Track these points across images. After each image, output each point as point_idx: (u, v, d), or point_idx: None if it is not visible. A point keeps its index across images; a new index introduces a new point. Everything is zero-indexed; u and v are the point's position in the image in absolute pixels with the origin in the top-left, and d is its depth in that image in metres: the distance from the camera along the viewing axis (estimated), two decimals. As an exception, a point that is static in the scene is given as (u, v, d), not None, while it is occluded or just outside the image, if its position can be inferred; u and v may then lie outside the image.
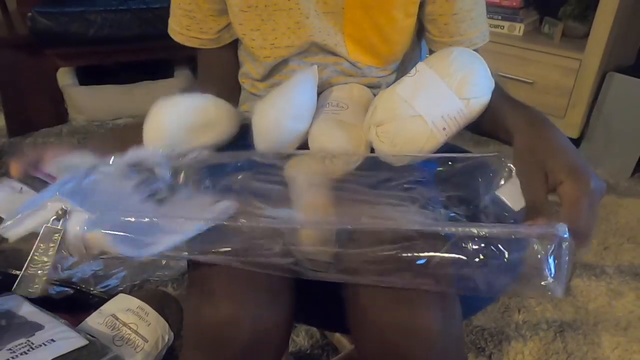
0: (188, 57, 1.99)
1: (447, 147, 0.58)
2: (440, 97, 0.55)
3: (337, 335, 1.02)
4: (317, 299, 0.60)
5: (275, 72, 0.72)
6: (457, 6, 0.66)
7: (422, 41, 0.76)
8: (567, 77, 1.73)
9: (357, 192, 0.52)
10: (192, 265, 0.59)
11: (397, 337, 0.50)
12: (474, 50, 0.65)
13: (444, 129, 0.55)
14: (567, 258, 0.42)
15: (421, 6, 0.68)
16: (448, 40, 0.69)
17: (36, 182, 0.54)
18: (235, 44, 0.76)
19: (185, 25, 0.71)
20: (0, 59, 1.81)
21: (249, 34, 0.69)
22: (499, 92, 0.60)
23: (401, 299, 0.49)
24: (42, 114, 1.92)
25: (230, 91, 0.78)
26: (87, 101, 1.95)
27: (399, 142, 0.57)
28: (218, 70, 0.78)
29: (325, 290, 0.56)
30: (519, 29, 1.86)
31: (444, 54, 0.59)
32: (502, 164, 0.52)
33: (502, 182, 0.52)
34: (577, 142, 1.81)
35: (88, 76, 2.02)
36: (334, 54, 0.70)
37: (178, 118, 0.60)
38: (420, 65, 0.58)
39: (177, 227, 0.46)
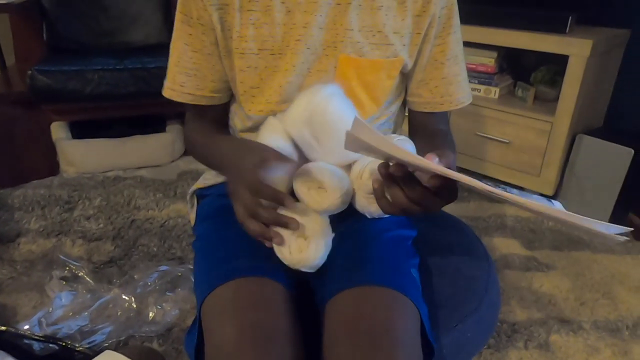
0: (180, 113, 2.05)
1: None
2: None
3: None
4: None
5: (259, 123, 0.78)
6: (445, 72, 0.79)
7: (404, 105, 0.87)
8: (540, 138, 1.83)
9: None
10: (204, 316, 0.64)
11: None
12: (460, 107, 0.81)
13: None
14: None
15: (409, 76, 0.80)
16: (439, 100, 0.81)
17: None
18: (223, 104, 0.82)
19: (179, 82, 0.77)
20: (-3, 114, 1.87)
21: (248, 91, 0.76)
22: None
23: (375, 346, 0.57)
24: (33, 166, 1.96)
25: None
26: (79, 154, 1.99)
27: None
28: (211, 119, 0.83)
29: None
30: (494, 92, 1.98)
31: None
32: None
33: None
34: (552, 198, 1.89)
35: (81, 129, 2.07)
36: None
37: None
38: None
39: None
